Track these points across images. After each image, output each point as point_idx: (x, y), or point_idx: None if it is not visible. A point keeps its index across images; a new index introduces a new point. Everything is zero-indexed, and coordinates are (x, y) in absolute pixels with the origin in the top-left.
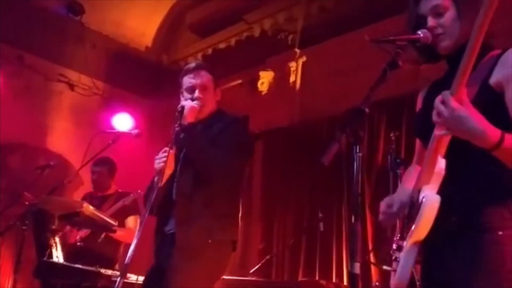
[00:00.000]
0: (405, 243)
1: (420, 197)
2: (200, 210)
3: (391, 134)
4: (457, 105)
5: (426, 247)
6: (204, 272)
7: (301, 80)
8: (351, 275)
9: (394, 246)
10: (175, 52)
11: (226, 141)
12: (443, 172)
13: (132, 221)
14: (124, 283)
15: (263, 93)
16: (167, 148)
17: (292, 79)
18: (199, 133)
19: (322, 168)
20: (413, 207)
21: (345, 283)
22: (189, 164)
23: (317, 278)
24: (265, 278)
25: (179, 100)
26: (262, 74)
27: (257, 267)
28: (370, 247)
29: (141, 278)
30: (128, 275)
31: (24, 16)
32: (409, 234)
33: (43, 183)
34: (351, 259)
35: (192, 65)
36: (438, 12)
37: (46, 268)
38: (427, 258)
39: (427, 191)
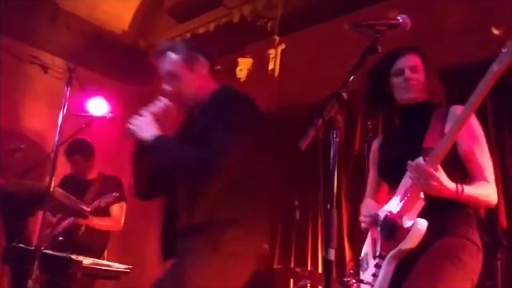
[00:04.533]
0: (386, 260)
1: (405, 222)
2: (204, 220)
3: (368, 123)
4: (431, 175)
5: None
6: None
7: (280, 67)
8: (326, 262)
9: (373, 263)
10: (153, 36)
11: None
12: (423, 203)
13: (117, 209)
14: (109, 270)
15: (242, 80)
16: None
17: (271, 66)
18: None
19: (299, 156)
20: (388, 228)
21: (320, 271)
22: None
23: (292, 265)
24: None
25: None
26: (241, 60)
27: None
28: (345, 235)
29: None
30: (113, 263)
31: None
32: (391, 253)
33: (14, 167)
34: (326, 245)
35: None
36: (413, 69)
37: (15, 253)
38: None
39: (413, 217)
